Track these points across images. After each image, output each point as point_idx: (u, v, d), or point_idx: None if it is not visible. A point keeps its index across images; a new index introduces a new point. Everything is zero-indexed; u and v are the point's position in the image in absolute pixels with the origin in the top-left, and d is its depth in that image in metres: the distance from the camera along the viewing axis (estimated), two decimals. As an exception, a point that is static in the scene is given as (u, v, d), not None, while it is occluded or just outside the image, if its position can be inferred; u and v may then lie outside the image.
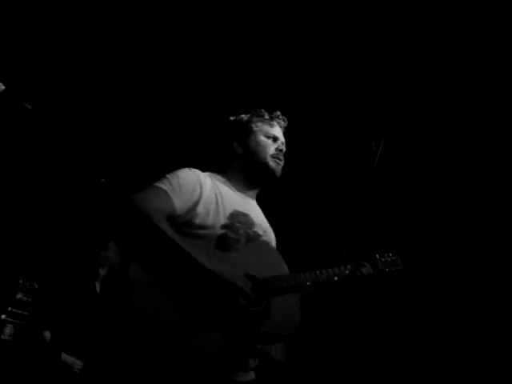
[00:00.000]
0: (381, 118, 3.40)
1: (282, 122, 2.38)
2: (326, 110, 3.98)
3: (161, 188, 2.00)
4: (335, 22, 3.64)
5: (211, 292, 1.79)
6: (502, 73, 3.65)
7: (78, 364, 3.53)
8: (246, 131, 2.29)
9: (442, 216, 3.96)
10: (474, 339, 3.69)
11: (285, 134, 2.39)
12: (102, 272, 3.87)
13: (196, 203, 2.03)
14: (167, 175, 2.07)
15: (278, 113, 2.39)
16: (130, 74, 4.03)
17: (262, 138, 2.27)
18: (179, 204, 1.99)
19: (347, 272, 2.10)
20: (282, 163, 2.29)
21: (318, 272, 2.06)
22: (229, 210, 2.09)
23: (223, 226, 2.04)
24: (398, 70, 3.75)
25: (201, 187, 2.08)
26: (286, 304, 1.95)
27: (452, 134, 3.91)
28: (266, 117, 2.34)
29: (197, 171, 2.14)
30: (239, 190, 2.24)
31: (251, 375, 2.01)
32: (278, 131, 2.34)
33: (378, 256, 2.27)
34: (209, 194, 2.08)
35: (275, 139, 2.30)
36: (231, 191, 2.20)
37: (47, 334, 3.57)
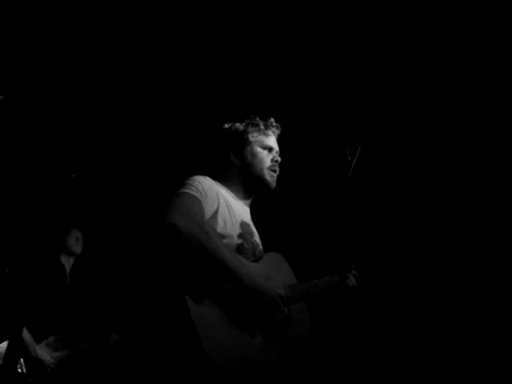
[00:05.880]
0: (357, 126, 3.42)
1: (276, 130, 2.40)
2: (303, 119, 3.98)
3: (192, 195, 1.95)
4: (309, 33, 3.63)
5: (262, 303, 1.89)
6: (477, 86, 3.71)
7: (51, 362, 3.39)
8: (242, 142, 2.30)
9: (418, 224, 3.99)
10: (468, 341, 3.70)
11: (278, 141, 2.41)
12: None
13: (216, 211, 2.03)
14: (188, 182, 2.03)
15: (272, 120, 2.39)
16: (122, 78, 3.92)
17: (258, 150, 2.28)
18: (206, 210, 1.98)
19: (336, 281, 2.22)
20: (277, 174, 2.32)
21: (316, 281, 2.16)
22: (238, 220, 2.11)
23: (239, 236, 2.07)
24: (374, 79, 3.78)
25: (217, 196, 2.08)
26: (298, 310, 2.07)
27: (427, 142, 3.95)
28: (261, 126, 2.34)
29: (211, 179, 2.14)
30: (239, 199, 2.26)
31: None
32: (272, 141, 2.35)
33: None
34: (222, 203, 2.09)
35: (270, 150, 2.32)
36: (234, 200, 2.21)
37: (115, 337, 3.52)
